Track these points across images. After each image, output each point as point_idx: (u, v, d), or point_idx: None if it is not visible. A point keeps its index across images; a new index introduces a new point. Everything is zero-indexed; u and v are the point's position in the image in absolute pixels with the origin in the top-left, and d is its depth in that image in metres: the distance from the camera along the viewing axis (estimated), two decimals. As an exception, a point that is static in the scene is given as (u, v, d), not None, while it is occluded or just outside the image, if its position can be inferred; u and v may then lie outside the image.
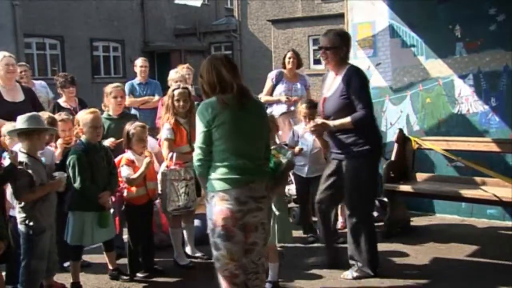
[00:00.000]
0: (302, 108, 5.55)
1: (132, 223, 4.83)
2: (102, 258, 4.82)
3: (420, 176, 6.04)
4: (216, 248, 3.30)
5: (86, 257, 4.99)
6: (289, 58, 6.89)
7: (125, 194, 4.76)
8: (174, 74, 6.49)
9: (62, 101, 6.36)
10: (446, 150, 5.94)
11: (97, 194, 4.37)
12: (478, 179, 5.71)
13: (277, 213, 4.25)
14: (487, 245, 5.33)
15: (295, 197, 6.07)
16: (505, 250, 5.15)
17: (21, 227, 4.05)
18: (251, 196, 3.26)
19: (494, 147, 5.74)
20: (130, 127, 4.76)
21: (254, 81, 11.31)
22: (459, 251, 5.21)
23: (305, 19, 22.32)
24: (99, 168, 4.44)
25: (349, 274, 4.59)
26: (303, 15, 22.92)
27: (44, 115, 4.63)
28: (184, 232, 5.16)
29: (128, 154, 4.77)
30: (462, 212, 6.29)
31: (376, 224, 4.89)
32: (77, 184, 4.32)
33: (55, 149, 4.78)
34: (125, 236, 5.08)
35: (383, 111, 6.72)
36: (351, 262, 4.62)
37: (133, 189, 4.72)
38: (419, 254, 5.17)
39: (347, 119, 4.42)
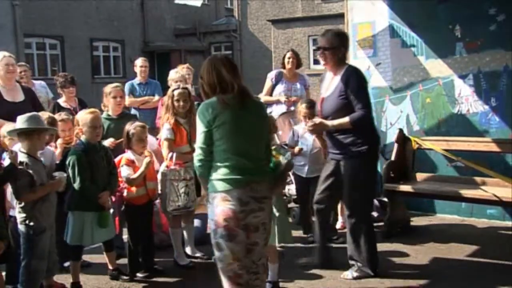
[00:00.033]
0: (302, 108, 5.55)
1: (132, 223, 4.83)
2: (102, 258, 4.82)
3: (420, 176, 6.04)
4: (218, 248, 3.26)
5: (86, 257, 4.99)
6: (289, 58, 6.88)
7: (125, 194, 4.76)
8: (174, 74, 6.48)
9: (62, 101, 6.35)
10: (446, 150, 5.94)
11: (96, 194, 4.37)
12: (478, 179, 5.71)
13: (277, 214, 4.24)
14: (487, 245, 5.33)
15: (295, 197, 6.08)
16: (505, 250, 5.14)
17: (21, 227, 4.05)
18: (253, 197, 3.25)
19: (494, 147, 5.74)
20: (130, 127, 4.76)
21: (254, 81, 11.31)
22: (459, 251, 5.21)
23: (305, 19, 22.29)
24: (99, 168, 4.44)
25: (349, 274, 4.59)
26: (303, 15, 22.90)
27: (44, 115, 4.63)
28: (184, 232, 5.16)
29: (128, 154, 4.77)
30: (462, 212, 6.29)
31: (376, 224, 4.89)
32: (76, 184, 4.32)
33: (55, 149, 4.77)
34: (125, 236, 5.08)
35: (383, 111, 6.72)
36: (351, 262, 4.62)
37: (133, 189, 4.72)
38: (419, 254, 5.17)
39: (346, 119, 4.42)
